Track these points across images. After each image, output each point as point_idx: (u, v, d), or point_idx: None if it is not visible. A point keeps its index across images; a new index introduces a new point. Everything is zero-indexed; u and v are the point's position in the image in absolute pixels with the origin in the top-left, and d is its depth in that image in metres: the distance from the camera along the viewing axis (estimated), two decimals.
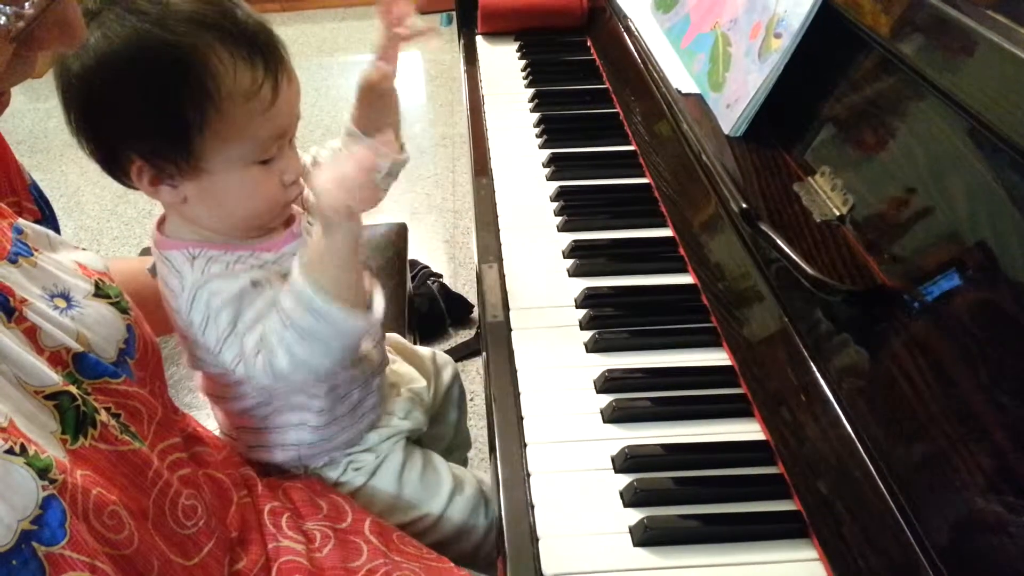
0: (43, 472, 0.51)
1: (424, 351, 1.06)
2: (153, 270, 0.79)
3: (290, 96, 0.72)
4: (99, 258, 0.72)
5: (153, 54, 0.66)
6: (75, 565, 0.51)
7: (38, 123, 3.05)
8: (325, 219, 0.68)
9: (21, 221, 0.68)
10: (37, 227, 0.69)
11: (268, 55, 0.69)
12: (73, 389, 0.58)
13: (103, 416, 0.60)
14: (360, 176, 0.66)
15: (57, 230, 0.73)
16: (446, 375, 1.06)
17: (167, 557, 0.61)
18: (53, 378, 0.57)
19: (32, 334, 0.59)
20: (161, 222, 0.78)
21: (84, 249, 0.72)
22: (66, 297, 0.64)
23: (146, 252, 1.38)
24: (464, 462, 1.15)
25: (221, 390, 0.84)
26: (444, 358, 1.08)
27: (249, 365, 0.72)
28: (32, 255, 0.65)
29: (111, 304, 0.67)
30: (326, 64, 3.41)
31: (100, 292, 0.68)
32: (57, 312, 0.62)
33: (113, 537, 0.56)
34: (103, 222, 2.48)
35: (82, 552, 0.52)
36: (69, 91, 0.68)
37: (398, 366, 0.98)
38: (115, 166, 0.72)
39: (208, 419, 0.93)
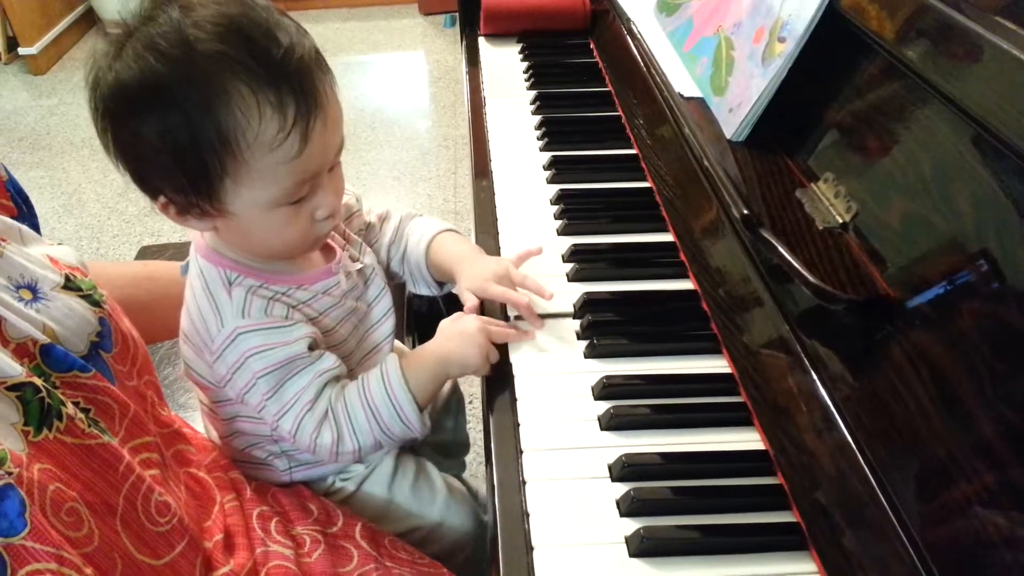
0: None
1: None
2: (186, 269, 0.78)
3: (324, 139, 0.67)
4: (74, 253, 0.71)
5: (169, 99, 0.62)
6: (39, 556, 0.50)
7: (40, 120, 3.05)
8: (463, 358, 0.77)
9: None
10: (8, 220, 0.67)
11: (302, 99, 0.64)
12: (38, 381, 0.57)
13: (70, 409, 0.58)
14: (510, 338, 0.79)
15: (36, 228, 0.72)
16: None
17: (131, 556, 0.60)
18: (16, 369, 0.56)
19: None
20: None
21: (61, 244, 0.71)
22: (32, 288, 0.63)
23: (143, 253, 1.38)
24: (463, 466, 1.14)
25: (215, 408, 0.83)
26: None
27: (295, 432, 0.75)
28: None
29: (81, 297, 0.66)
30: (330, 64, 3.40)
31: (70, 285, 0.66)
32: (22, 303, 0.61)
33: (71, 535, 0.54)
34: (104, 219, 2.48)
35: (46, 543, 0.51)
36: (98, 110, 0.66)
37: None
38: (145, 190, 0.70)
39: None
